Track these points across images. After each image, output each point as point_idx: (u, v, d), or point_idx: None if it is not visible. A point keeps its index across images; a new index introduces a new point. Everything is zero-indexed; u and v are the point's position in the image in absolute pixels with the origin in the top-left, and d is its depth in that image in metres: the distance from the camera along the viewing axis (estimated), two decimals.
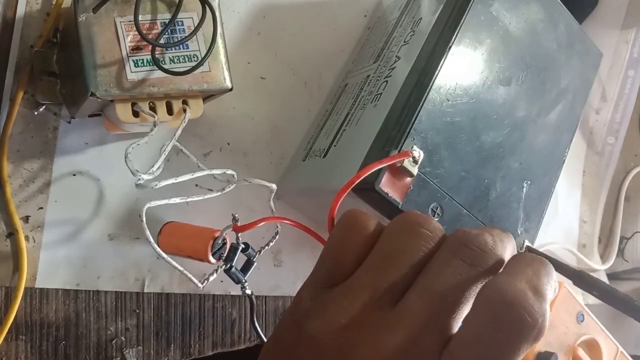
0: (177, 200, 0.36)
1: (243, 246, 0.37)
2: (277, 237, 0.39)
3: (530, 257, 0.22)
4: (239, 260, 0.37)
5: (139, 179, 0.32)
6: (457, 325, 0.21)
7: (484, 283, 0.21)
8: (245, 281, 0.37)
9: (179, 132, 0.35)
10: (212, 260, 0.36)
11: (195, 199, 0.37)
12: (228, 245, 0.37)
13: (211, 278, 0.36)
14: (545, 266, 0.22)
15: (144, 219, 0.33)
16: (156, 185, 0.32)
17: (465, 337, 0.20)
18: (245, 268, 0.38)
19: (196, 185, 0.41)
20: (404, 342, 0.20)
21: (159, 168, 0.34)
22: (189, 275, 0.35)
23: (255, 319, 0.39)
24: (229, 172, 0.36)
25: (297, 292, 0.24)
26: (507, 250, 0.23)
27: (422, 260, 0.22)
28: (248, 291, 0.37)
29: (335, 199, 0.30)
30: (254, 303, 0.39)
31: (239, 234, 0.36)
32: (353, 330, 0.21)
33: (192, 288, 0.41)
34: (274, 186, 0.38)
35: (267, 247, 0.39)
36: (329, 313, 0.22)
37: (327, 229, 0.30)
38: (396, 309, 0.21)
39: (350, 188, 0.31)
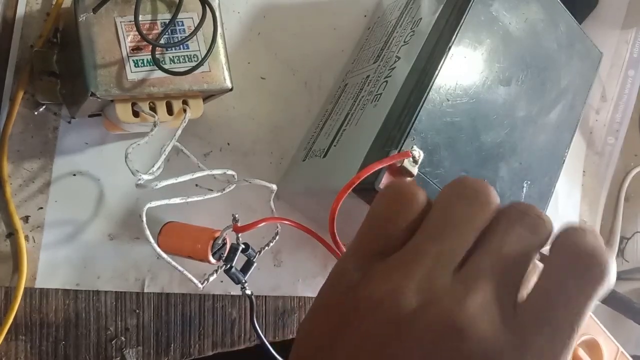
0: (177, 200, 0.36)
1: (243, 246, 0.37)
2: (277, 237, 0.39)
3: (580, 228, 0.23)
4: (239, 260, 0.37)
5: (139, 179, 0.32)
6: (525, 289, 0.21)
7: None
8: (245, 281, 0.37)
9: (179, 132, 0.35)
10: (212, 260, 0.36)
11: (196, 199, 0.37)
12: (228, 246, 0.37)
13: (211, 278, 0.36)
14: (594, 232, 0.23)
15: (144, 219, 0.33)
16: (156, 185, 0.32)
17: (546, 285, 0.21)
18: (245, 268, 0.38)
19: (196, 185, 0.40)
20: (483, 303, 0.20)
21: (159, 168, 0.34)
22: (189, 275, 0.35)
23: (255, 319, 0.39)
24: (229, 172, 0.36)
25: (336, 265, 0.23)
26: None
27: (483, 227, 0.22)
28: (248, 291, 0.37)
29: (337, 199, 0.30)
30: (253, 303, 0.39)
31: (239, 234, 0.36)
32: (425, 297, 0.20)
33: (192, 288, 0.41)
34: (274, 186, 0.38)
35: (267, 248, 0.39)
36: (394, 281, 0.21)
37: (329, 229, 0.30)
38: (466, 272, 0.21)
39: (351, 188, 0.31)
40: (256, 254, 0.38)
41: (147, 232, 0.33)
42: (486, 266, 0.21)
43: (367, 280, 0.21)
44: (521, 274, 0.21)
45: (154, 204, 0.34)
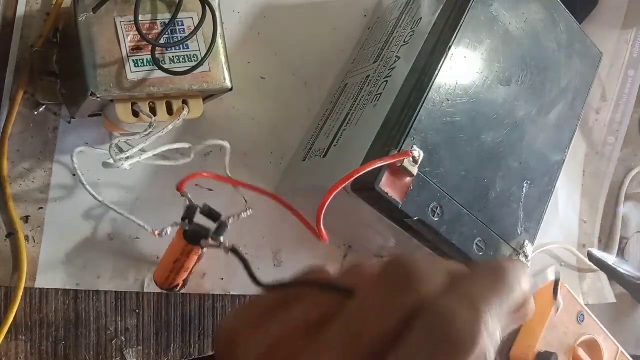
0: (103, 151, 0.36)
1: (201, 206, 0.36)
2: (250, 211, 0.39)
3: (482, 267, 0.21)
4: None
5: (109, 159, 0.32)
6: None
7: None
8: (220, 237, 0.36)
9: (170, 127, 0.34)
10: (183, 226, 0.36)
11: (163, 163, 0.37)
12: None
13: (169, 230, 0.36)
14: (498, 281, 0.21)
15: (75, 159, 0.34)
16: (122, 164, 0.33)
17: (397, 357, 0.19)
18: (219, 231, 0.36)
19: (196, 184, 0.40)
20: None
21: (131, 156, 0.34)
22: (139, 222, 0.35)
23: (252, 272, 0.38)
24: (186, 145, 0.38)
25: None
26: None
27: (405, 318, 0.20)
28: (228, 245, 0.36)
29: (330, 190, 0.30)
30: (240, 254, 0.36)
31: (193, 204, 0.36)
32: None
33: (192, 288, 0.41)
34: (227, 144, 0.38)
35: (238, 217, 0.38)
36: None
37: (316, 218, 0.31)
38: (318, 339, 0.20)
39: (348, 182, 0.31)
40: (228, 218, 0.37)
41: (82, 178, 0.34)
42: (336, 333, 0.20)
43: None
44: (375, 344, 0.19)
45: (83, 148, 0.35)
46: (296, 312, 0.22)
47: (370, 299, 0.20)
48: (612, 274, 0.62)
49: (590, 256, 0.61)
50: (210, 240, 0.35)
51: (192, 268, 0.38)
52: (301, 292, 0.23)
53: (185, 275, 0.38)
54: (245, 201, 0.39)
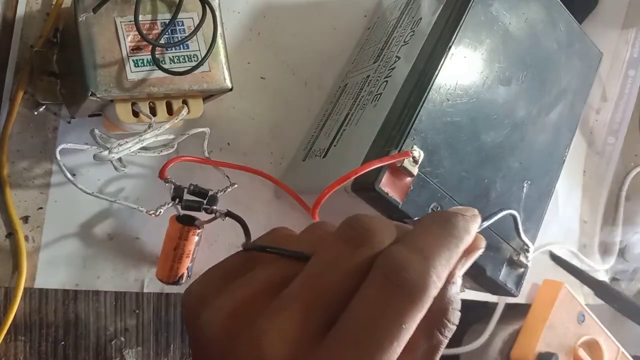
0: (90, 148, 0.36)
1: (187, 187, 0.37)
2: (235, 185, 0.39)
3: (431, 220, 0.22)
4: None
5: (100, 151, 0.33)
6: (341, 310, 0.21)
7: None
8: (213, 207, 0.37)
9: (167, 125, 0.34)
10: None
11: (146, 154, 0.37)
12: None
13: (162, 209, 0.36)
14: (447, 234, 0.22)
15: (59, 157, 0.34)
16: (113, 157, 0.33)
17: (354, 306, 0.20)
18: (211, 202, 0.37)
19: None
20: (283, 329, 0.20)
21: (127, 149, 0.34)
22: (132, 205, 0.35)
23: (249, 235, 0.38)
24: (170, 136, 0.38)
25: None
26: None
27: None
28: (223, 210, 0.36)
29: (329, 188, 0.30)
30: (236, 216, 0.35)
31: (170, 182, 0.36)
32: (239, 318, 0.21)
33: None
34: (207, 129, 0.39)
35: (223, 192, 0.38)
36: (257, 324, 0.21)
37: (312, 214, 0.31)
38: (278, 299, 0.21)
39: (348, 180, 0.31)
40: (216, 192, 0.38)
41: (64, 170, 0.34)
42: (295, 291, 0.21)
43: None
44: (331, 294, 0.21)
45: (69, 145, 0.35)
46: (259, 274, 0.23)
47: (327, 256, 0.22)
48: (574, 272, 0.61)
49: (552, 256, 0.61)
50: (203, 212, 0.36)
51: (194, 252, 0.38)
52: (264, 255, 0.24)
53: (188, 262, 0.38)
54: (227, 177, 0.39)
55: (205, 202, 0.37)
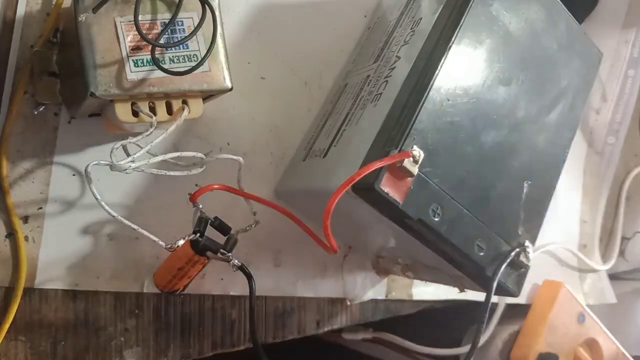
0: (131, 164, 0.34)
1: (212, 219, 0.36)
2: (259, 222, 0.39)
3: None
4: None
5: (113, 161, 0.32)
6: None
7: None
8: (229, 254, 0.36)
9: (172, 127, 0.34)
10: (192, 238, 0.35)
11: (164, 172, 0.36)
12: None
13: (180, 242, 0.35)
14: None
15: (91, 175, 0.33)
16: (130, 167, 0.33)
17: None
18: (227, 245, 0.36)
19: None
20: None
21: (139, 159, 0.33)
22: (153, 237, 0.34)
23: (253, 294, 0.37)
24: (199, 154, 0.37)
25: None
26: None
27: None
28: (237, 262, 0.36)
29: (334, 194, 0.30)
30: (248, 273, 0.36)
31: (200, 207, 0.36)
32: None
33: (192, 288, 0.41)
34: (241, 159, 0.38)
35: (249, 228, 0.38)
36: None
37: (323, 223, 0.30)
38: None
39: (349, 186, 0.31)
40: (236, 233, 0.37)
41: (94, 191, 0.33)
42: None
43: None
44: None
45: (101, 162, 0.34)
46: None
47: None
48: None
49: None
50: (218, 255, 0.36)
51: (195, 275, 0.37)
52: None
53: (187, 282, 0.38)
54: (254, 213, 0.39)
55: (223, 245, 0.36)
